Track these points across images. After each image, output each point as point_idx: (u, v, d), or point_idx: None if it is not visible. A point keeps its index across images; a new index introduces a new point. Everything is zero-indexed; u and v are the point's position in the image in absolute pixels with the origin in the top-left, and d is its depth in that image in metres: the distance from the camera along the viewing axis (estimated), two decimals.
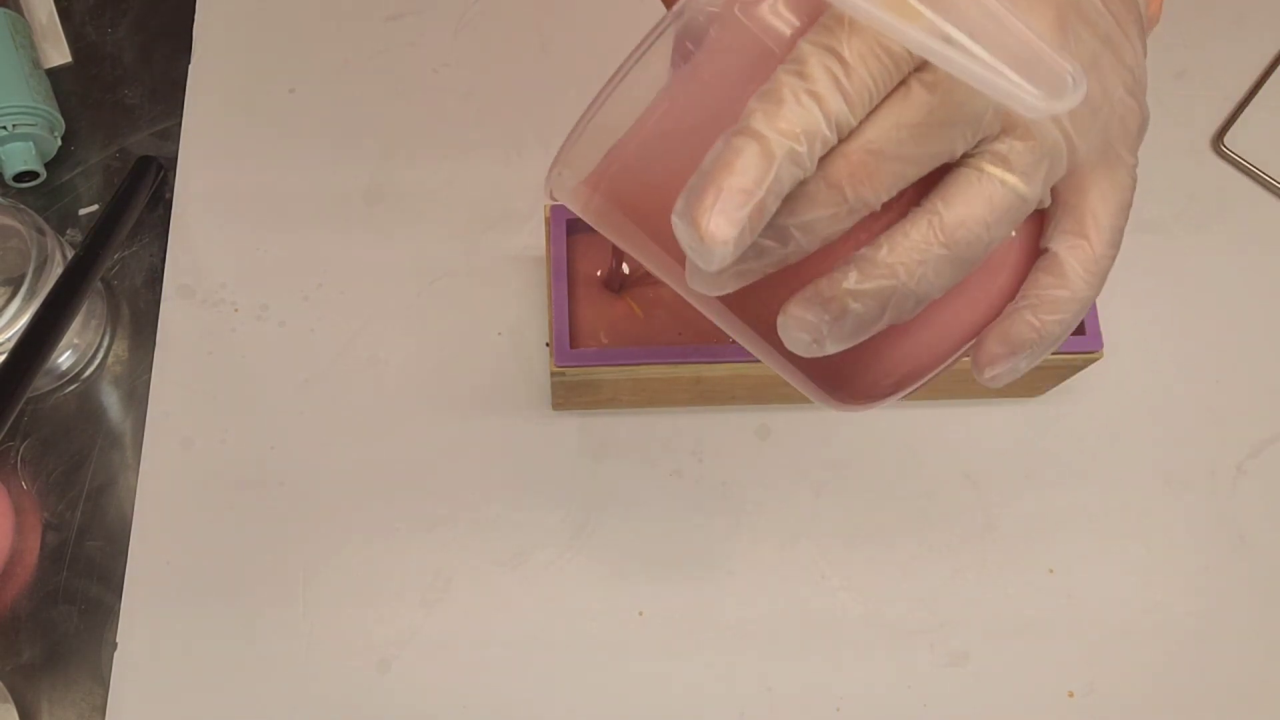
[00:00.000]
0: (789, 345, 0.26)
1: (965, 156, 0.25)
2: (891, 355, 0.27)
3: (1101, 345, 0.45)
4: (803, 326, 0.25)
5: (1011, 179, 0.24)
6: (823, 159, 0.24)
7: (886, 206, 0.24)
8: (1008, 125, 0.25)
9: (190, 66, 0.57)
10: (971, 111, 0.24)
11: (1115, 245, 0.27)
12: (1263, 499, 0.50)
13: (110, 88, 0.56)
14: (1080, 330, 0.46)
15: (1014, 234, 0.26)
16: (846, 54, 0.23)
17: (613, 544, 0.49)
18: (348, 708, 0.46)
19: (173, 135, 0.55)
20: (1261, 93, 0.57)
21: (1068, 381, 0.50)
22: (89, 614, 0.47)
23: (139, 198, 0.52)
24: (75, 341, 0.50)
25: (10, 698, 0.45)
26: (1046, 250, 0.26)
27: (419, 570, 0.48)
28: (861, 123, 0.24)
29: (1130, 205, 0.27)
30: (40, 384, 0.50)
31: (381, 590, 0.48)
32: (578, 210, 0.29)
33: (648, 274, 0.46)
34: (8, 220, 0.47)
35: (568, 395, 0.48)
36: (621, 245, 0.29)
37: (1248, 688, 0.48)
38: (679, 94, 0.26)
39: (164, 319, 0.52)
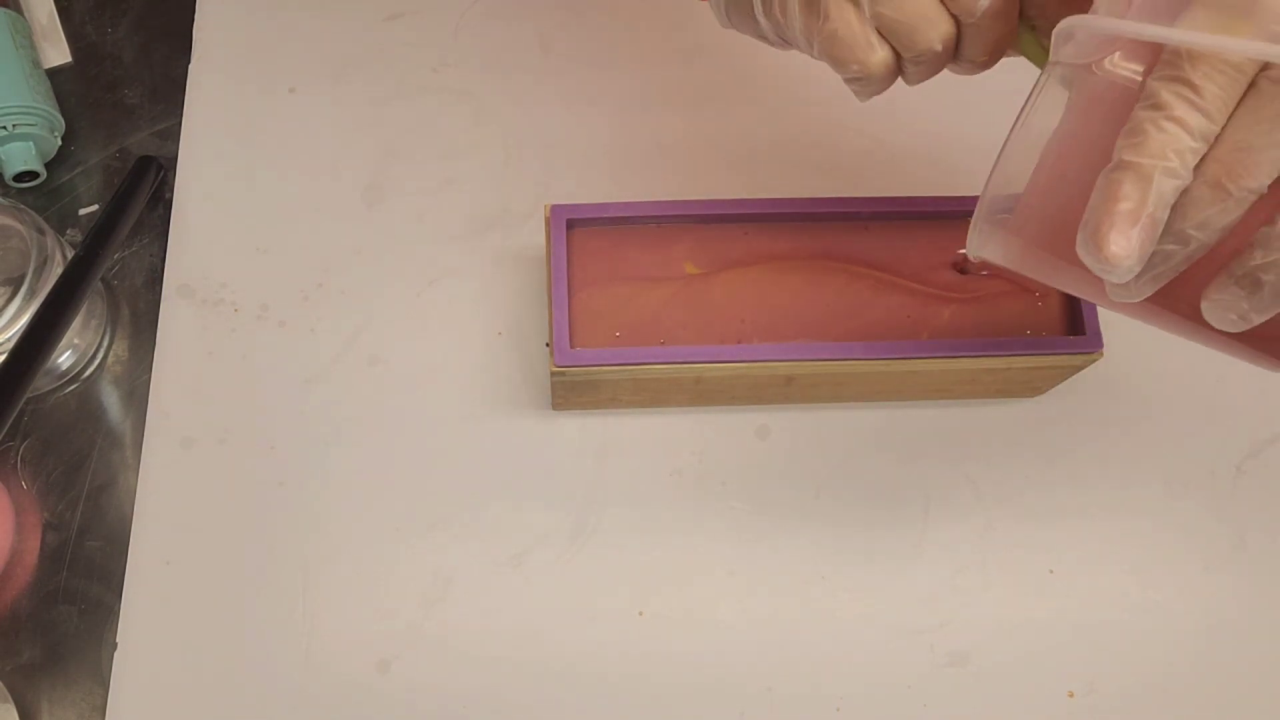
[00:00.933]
0: (1218, 325, 0.30)
1: None
2: None
3: (1101, 345, 0.45)
4: (1225, 306, 0.29)
5: None
6: (1198, 166, 0.28)
7: (1275, 186, 0.27)
8: None
9: (190, 66, 0.57)
10: None
11: None
12: (1263, 499, 0.50)
13: (110, 88, 0.56)
14: (1080, 330, 0.46)
15: None
16: (1193, 78, 0.27)
17: (613, 544, 0.49)
18: (348, 708, 0.46)
19: (173, 135, 0.55)
20: None
21: (1068, 381, 0.50)
22: (89, 614, 0.47)
23: (139, 198, 0.52)
24: (75, 341, 0.50)
25: (10, 698, 0.45)
26: None
27: (419, 570, 0.48)
28: (1224, 128, 0.27)
29: None
30: (40, 384, 0.50)
31: (381, 590, 0.48)
32: (999, 259, 0.35)
33: (656, 272, 0.46)
34: (8, 220, 0.48)
35: (568, 395, 0.48)
36: (1042, 279, 0.35)
37: (1248, 688, 0.48)
38: (1063, 146, 0.31)
39: (164, 319, 0.52)
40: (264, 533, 0.48)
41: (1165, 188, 0.27)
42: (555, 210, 0.46)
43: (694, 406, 0.50)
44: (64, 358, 0.50)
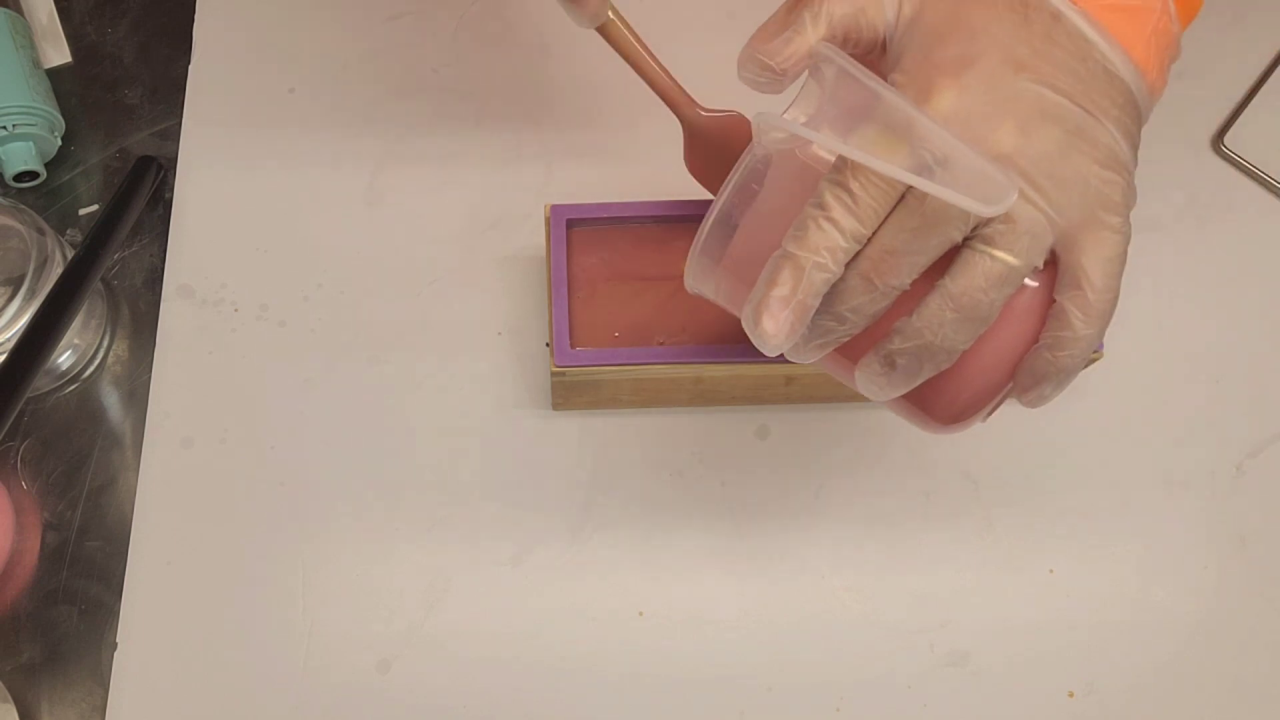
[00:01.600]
0: (865, 393, 0.34)
1: (965, 240, 0.32)
2: (956, 390, 0.34)
3: (1101, 345, 0.45)
4: (869, 380, 0.34)
5: (999, 253, 0.31)
6: (853, 261, 0.32)
7: (919, 283, 0.32)
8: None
9: (190, 66, 0.57)
10: (956, 212, 0.31)
11: (1109, 290, 0.33)
12: (1263, 499, 0.50)
13: (110, 88, 0.56)
14: None
15: (1035, 286, 0.33)
16: (853, 186, 0.31)
17: (613, 544, 0.49)
18: (348, 708, 0.46)
19: (173, 135, 0.55)
20: (1261, 93, 0.57)
21: None
22: (89, 614, 0.47)
23: (139, 198, 0.52)
24: (75, 341, 0.50)
25: (10, 698, 0.45)
26: (1054, 301, 0.33)
27: (419, 570, 0.48)
28: (876, 231, 0.32)
29: (1122, 257, 0.33)
30: (40, 384, 0.50)
31: (381, 590, 0.48)
32: (710, 295, 0.38)
33: (655, 272, 0.46)
34: (8, 220, 0.47)
35: (568, 395, 0.48)
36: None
37: (1248, 688, 0.48)
38: (760, 209, 0.35)
39: (164, 319, 0.52)
40: (264, 533, 0.48)
41: (816, 279, 0.32)
42: (555, 210, 0.46)
43: (694, 406, 0.50)
44: (64, 358, 0.50)
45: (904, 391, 0.34)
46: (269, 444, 0.50)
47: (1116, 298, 0.33)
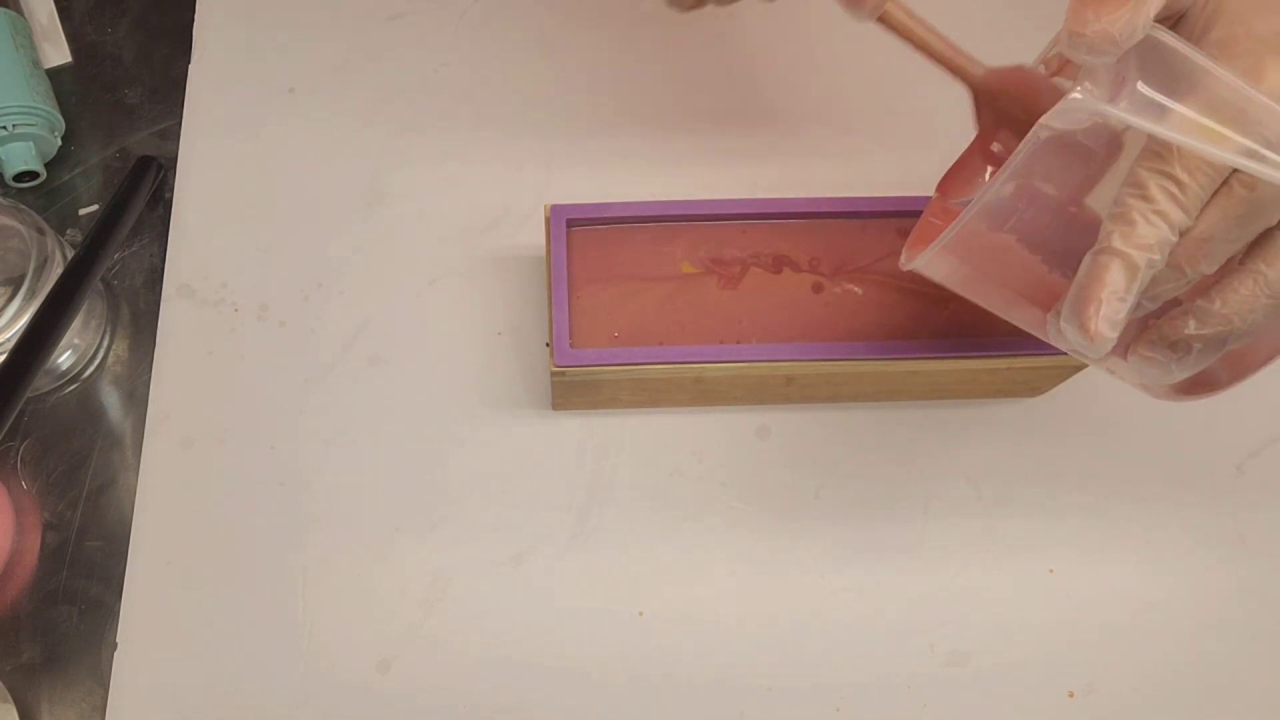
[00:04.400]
0: (1143, 378, 0.34)
1: None
2: (1237, 368, 0.34)
3: None
4: (1153, 364, 0.32)
5: None
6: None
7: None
8: None
9: (190, 66, 0.57)
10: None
11: None
12: (1263, 499, 0.50)
13: (110, 88, 0.56)
14: None
15: None
16: (1179, 174, 0.29)
17: (613, 544, 0.49)
18: (348, 708, 0.46)
19: (173, 135, 0.55)
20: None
21: (1068, 381, 0.50)
22: (89, 614, 0.47)
23: (139, 198, 0.52)
24: (75, 341, 0.50)
25: (10, 698, 0.45)
26: None
27: (419, 570, 0.48)
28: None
29: None
30: (40, 384, 0.50)
31: (381, 590, 0.48)
32: (941, 278, 0.37)
33: (655, 272, 0.46)
34: (8, 220, 0.48)
35: (568, 395, 0.48)
36: (984, 304, 0.37)
37: (1248, 688, 0.48)
38: (1026, 194, 0.33)
39: (164, 319, 0.52)
40: (264, 533, 0.48)
41: (1148, 275, 0.30)
42: (555, 210, 0.46)
43: (694, 406, 0.50)
44: (64, 358, 0.50)
45: (1191, 374, 0.32)
46: (269, 444, 0.50)
47: None
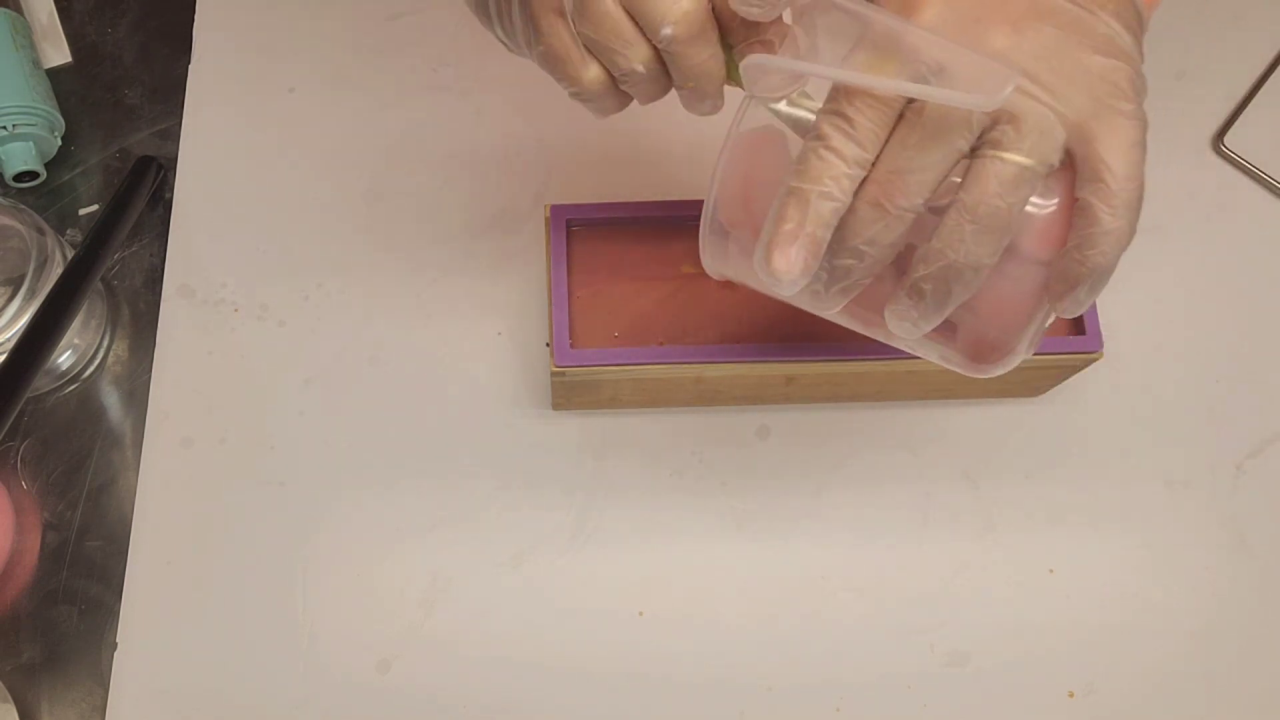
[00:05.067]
0: (896, 331, 0.33)
1: (974, 150, 0.30)
2: (990, 319, 0.33)
3: (1101, 345, 0.45)
4: (900, 315, 0.33)
5: (1009, 155, 0.30)
6: (861, 189, 0.31)
7: (937, 209, 0.31)
8: (997, 116, 0.30)
9: (190, 66, 0.57)
10: (957, 118, 0.30)
11: (1132, 178, 0.31)
12: (1263, 499, 0.50)
13: (110, 88, 0.56)
14: (1080, 330, 0.46)
15: (1056, 198, 0.32)
16: (848, 112, 0.30)
17: (613, 544, 0.49)
18: (348, 708, 0.46)
19: (173, 135, 0.55)
20: (1261, 93, 0.57)
21: (1068, 381, 0.50)
22: (89, 614, 0.47)
23: (139, 198, 0.52)
24: (75, 341, 0.50)
25: (10, 698, 0.45)
26: (1078, 199, 0.31)
27: (419, 570, 0.48)
28: (880, 155, 0.31)
29: (1141, 144, 0.31)
30: (40, 384, 0.50)
31: (381, 590, 0.48)
32: (731, 275, 0.38)
33: (655, 272, 0.46)
34: (8, 220, 0.48)
35: (568, 395, 0.48)
36: (766, 292, 0.36)
37: (1248, 688, 0.48)
38: (754, 172, 0.35)
39: (164, 319, 0.52)
40: (264, 533, 0.48)
41: (823, 209, 0.31)
42: (555, 210, 0.46)
43: (694, 406, 0.50)
44: (64, 358, 0.50)
45: (936, 322, 0.33)
46: (269, 444, 0.50)
47: (1141, 187, 0.31)
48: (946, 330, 0.34)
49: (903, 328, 0.33)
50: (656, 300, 0.46)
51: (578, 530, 0.49)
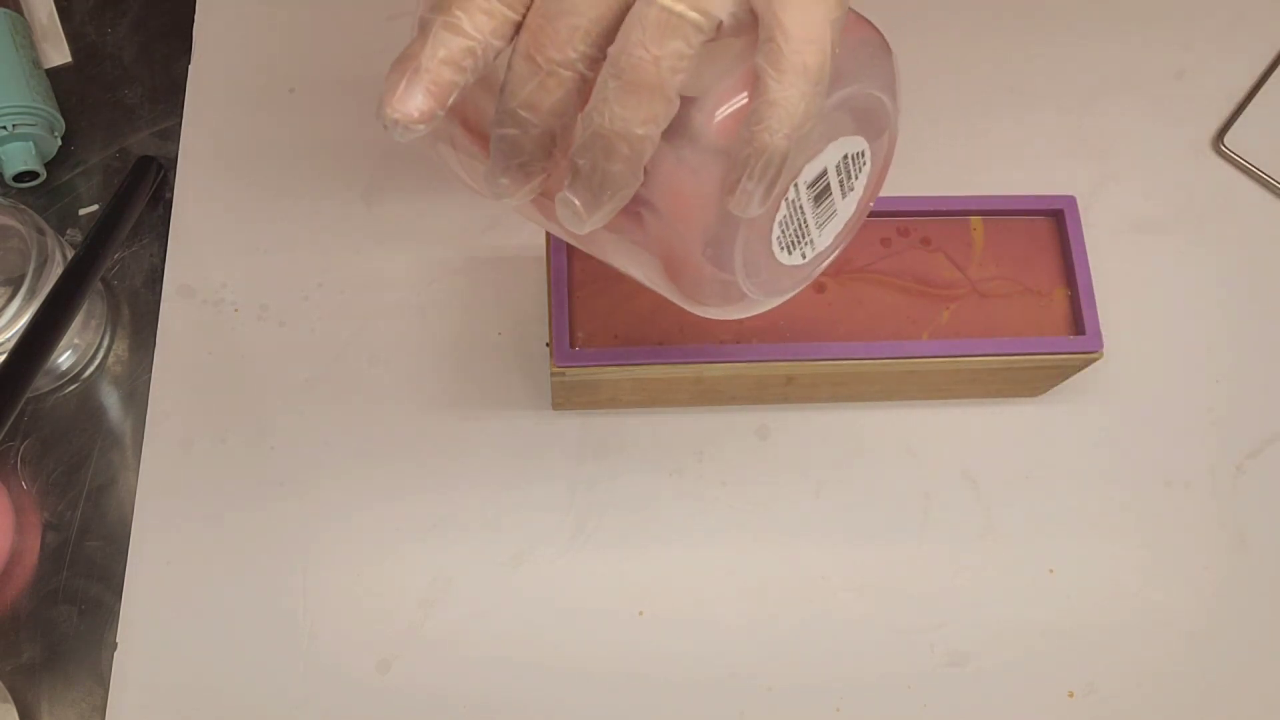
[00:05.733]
0: (565, 223, 0.28)
1: None
2: (676, 222, 0.29)
3: (1101, 345, 0.45)
4: (562, 203, 0.28)
5: (665, 1, 0.25)
6: (515, 41, 0.26)
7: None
8: None
9: (190, 66, 0.57)
10: None
11: (809, 40, 0.26)
12: (1263, 499, 0.50)
13: (110, 88, 0.56)
14: (1080, 330, 0.46)
15: (739, 70, 0.27)
16: None
17: (613, 544, 0.49)
18: (348, 708, 0.46)
19: (173, 135, 0.55)
20: (1261, 93, 0.57)
21: (1068, 381, 0.50)
22: (89, 614, 0.47)
23: (139, 198, 0.52)
24: (75, 341, 0.50)
25: (10, 698, 0.45)
26: (754, 68, 0.27)
27: (419, 570, 0.48)
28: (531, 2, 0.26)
29: (830, 11, 0.27)
30: (40, 384, 0.50)
31: (381, 590, 0.48)
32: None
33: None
34: (8, 220, 0.47)
35: (568, 395, 0.48)
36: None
37: (1248, 688, 0.48)
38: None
39: (164, 319, 0.52)
40: (264, 533, 0.48)
41: (451, 43, 0.26)
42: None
43: (694, 406, 0.50)
44: (64, 358, 0.50)
45: (602, 211, 0.28)
46: (269, 444, 0.50)
47: (824, 54, 0.26)
48: (640, 237, 0.30)
49: (565, 215, 0.28)
50: (656, 300, 0.46)
51: (578, 530, 0.49)
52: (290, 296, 0.52)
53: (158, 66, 0.57)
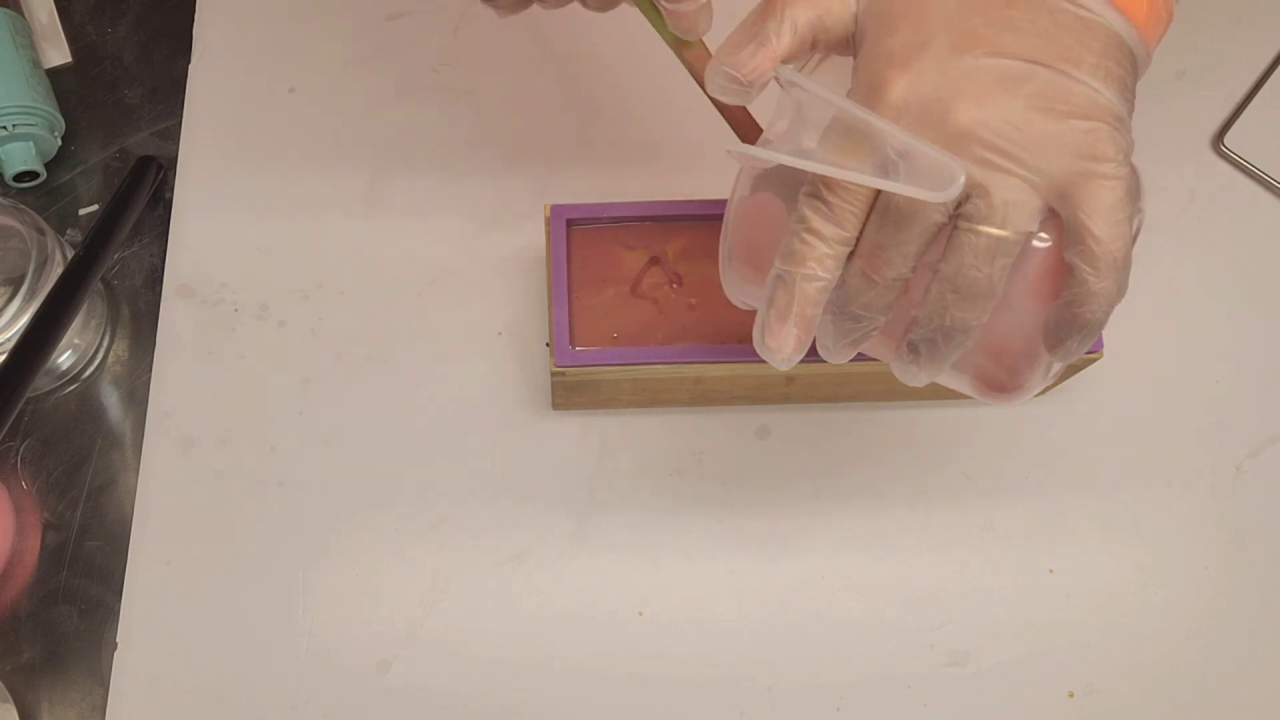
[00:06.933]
0: (906, 382, 0.36)
1: (953, 219, 0.32)
2: (994, 360, 0.35)
3: (1101, 345, 0.45)
4: (901, 368, 0.35)
5: (982, 228, 0.31)
6: (850, 261, 0.33)
7: (923, 270, 0.33)
8: (969, 189, 0.31)
9: (190, 66, 0.57)
10: (924, 200, 0.31)
11: (1114, 239, 0.32)
12: (1263, 499, 0.50)
13: (110, 88, 0.56)
14: None
15: (1044, 248, 0.33)
16: (826, 196, 0.33)
17: (613, 544, 0.49)
18: (348, 708, 0.46)
19: (173, 135, 0.55)
20: (1261, 93, 0.57)
21: (1068, 381, 0.50)
22: (89, 614, 0.47)
23: (139, 198, 0.52)
24: (75, 341, 0.50)
25: (10, 698, 0.45)
26: (1066, 260, 0.33)
27: (419, 570, 0.48)
28: (863, 229, 0.33)
29: (1123, 203, 0.32)
30: (40, 384, 0.50)
31: (381, 590, 0.48)
32: (752, 302, 0.39)
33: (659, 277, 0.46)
34: (8, 220, 0.48)
35: (568, 395, 0.48)
36: None
37: (1248, 688, 0.48)
38: (752, 214, 0.37)
39: (164, 319, 0.52)
40: (265, 533, 0.48)
41: (809, 290, 0.33)
42: (555, 210, 0.46)
43: (694, 406, 0.50)
44: (64, 358, 0.50)
45: (938, 375, 0.35)
46: (269, 444, 0.50)
47: (1127, 245, 0.32)
48: (959, 368, 0.36)
49: (907, 377, 0.36)
50: (656, 300, 0.46)
51: (578, 530, 0.49)
52: (290, 296, 0.52)
53: (158, 66, 0.57)
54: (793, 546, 0.49)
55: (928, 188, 0.30)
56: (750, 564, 0.48)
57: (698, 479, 0.50)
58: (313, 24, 0.58)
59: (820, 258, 0.33)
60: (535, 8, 0.40)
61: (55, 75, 0.56)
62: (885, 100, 0.32)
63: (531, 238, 0.53)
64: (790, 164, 0.33)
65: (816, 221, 0.33)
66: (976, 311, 0.33)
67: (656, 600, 0.48)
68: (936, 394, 0.50)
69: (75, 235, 0.53)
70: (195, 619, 0.47)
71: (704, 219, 0.47)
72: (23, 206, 0.48)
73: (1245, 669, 0.48)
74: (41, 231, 0.47)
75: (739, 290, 0.39)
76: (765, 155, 0.34)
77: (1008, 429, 0.51)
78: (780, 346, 0.34)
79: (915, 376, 0.35)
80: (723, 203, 0.47)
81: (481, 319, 0.52)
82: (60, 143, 0.54)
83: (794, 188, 0.34)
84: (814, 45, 0.35)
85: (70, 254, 0.48)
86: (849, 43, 0.35)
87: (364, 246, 0.53)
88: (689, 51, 0.39)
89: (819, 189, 0.33)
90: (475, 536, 0.48)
